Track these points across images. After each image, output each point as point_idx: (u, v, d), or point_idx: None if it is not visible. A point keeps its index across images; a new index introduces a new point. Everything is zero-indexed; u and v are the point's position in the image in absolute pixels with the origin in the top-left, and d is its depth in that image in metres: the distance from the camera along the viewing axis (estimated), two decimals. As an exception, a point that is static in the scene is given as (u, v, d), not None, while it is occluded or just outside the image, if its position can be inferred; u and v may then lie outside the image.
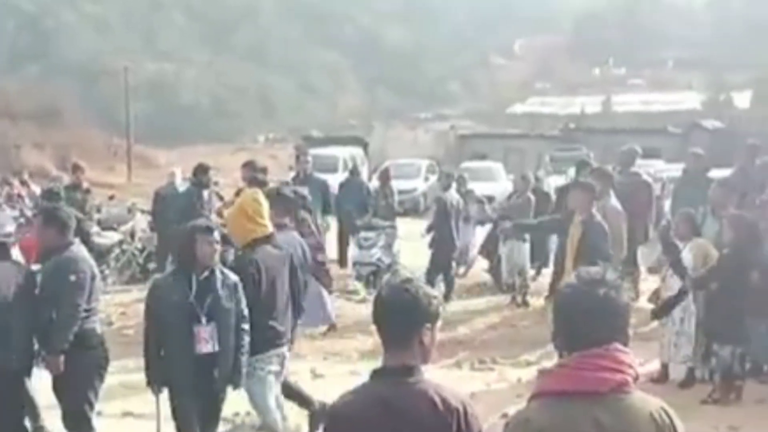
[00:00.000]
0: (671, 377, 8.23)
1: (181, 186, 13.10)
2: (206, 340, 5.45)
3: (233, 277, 5.60)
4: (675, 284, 8.05)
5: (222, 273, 5.57)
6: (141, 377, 5.78)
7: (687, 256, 7.97)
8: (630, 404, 2.58)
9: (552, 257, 11.55)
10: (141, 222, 15.12)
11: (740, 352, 7.64)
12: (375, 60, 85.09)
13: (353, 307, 11.27)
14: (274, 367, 6.06)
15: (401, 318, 2.99)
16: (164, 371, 5.55)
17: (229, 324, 5.52)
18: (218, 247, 5.53)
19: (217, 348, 5.47)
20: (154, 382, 5.60)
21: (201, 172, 11.63)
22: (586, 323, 2.60)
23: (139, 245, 14.35)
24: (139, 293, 12.57)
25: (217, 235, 5.54)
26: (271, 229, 6.08)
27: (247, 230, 5.96)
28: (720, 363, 7.66)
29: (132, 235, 14.72)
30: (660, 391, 7.56)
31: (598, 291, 2.61)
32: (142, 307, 11.80)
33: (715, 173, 12.03)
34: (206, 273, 5.47)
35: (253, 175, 9.61)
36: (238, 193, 10.49)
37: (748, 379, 7.88)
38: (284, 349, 6.19)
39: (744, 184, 9.91)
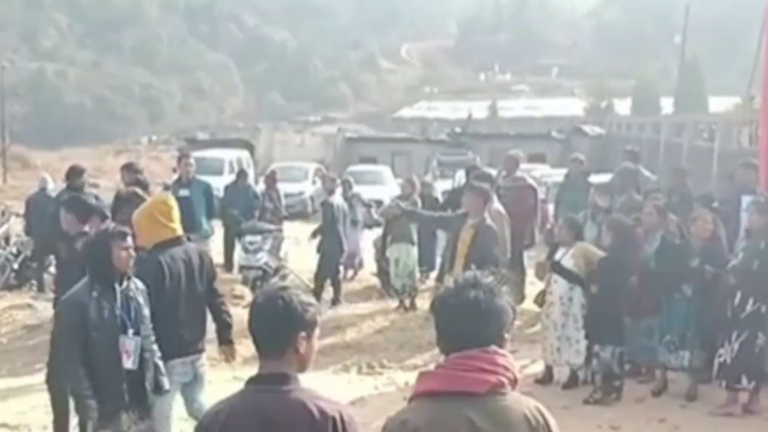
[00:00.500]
0: (555, 379, 8.36)
1: (54, 191, 12.54)
2: (131, 353, 5.12)
3: (141, 284, 5.32)
4: (558, 288, 8.20)
5: (133, 280, 5.28)
6: (14, 385, 5.43)
7: (569, 260, 8.11)
8: (505, 405, 2.62)
9: (440, 261, 11.61)
10: (15, 226, 14.49)
11: (620, 353, 7.82)
12: (262, 62, 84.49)
13: (239, 312, 11.04)
14: (178, 377, 5.78)
15: (274, 326, 2.95)
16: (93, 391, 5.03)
17: (150, 333, 5.25)
18: (132, 252, 5.24)
19: (142, 359, 5.17)
20: (89, 405, 5.02)
21: (75, 175, 11.14)
22: (460, 325, 2.66)
23: (14, 250, 13.73)
24: (13, 299, 12.04)
25: (130, 240, 5.26)
26: (180, 233, 5.80)
27: (153, 232, 5.66)
28: (601, 364, 7.82)
29: (6, 239, 14.11)
30: (544, 392, 7.68)
31: (470, 294, 2.68)
32: (16, 314, 11.31)
33: (595, 178, 12.34)
34: (126, 281, 5.21)
35: (136, 177, 9.35)
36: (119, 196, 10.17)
37: (628, 379, 8.07)
38: (192, 358, 5.81)
39: (623, 189, 10.17)
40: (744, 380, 7.29)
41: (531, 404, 2.70)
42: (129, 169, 9.88)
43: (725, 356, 7.36)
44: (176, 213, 5.77)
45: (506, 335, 2.73)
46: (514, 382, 2.66)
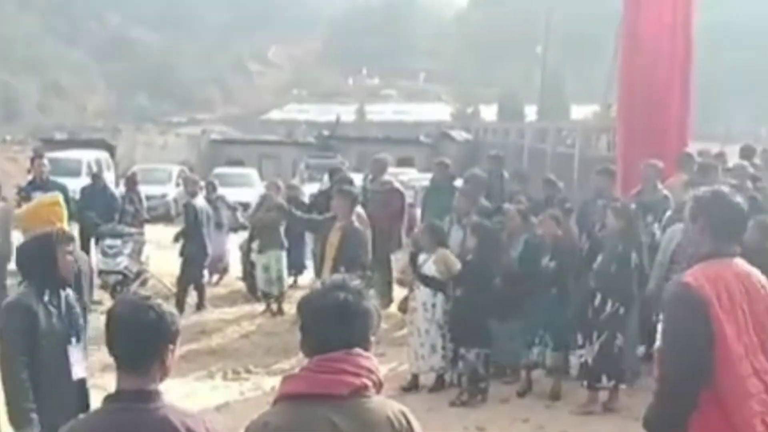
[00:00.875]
0: (422, 383, 8.36)
1: None
2: (80, 363, 4.75)
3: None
4: (421, 294, 8.20)
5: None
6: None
7: (431, 266, 8.13)
8: (368, 408, 2.60)
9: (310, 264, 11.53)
10: None
11: (485, 355, 7.90)
12: (126, 61, 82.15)
13: (97, 317, 10.62)
14: None
15: (142, 339, 2.74)
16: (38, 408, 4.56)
17: (86, 341, 4.96)
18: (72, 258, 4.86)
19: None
20: (31, 420, 4.53)
21: None
22: (325, 327, 2.63)
23: None
24: None
25: (73, 244, 4.88)
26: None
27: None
28: (466, 366, 7.88)
29: None
30: (410, 395, 7.67)
31: (339, 296, 2.65)
32: None
33: (461, 183, 12.46)
34: (67, 288, 4.80)
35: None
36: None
37: (493, 380, 8.16)
38: None
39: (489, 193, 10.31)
40: (604, 379, 7.48)
41: (395, 407, 2.68)
42: None
43: (586, 356, 7.54)
44: (64, 213, 5.53)
45: (372, 338, 2.71)
46: (378, 385, 2.64)
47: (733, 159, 11.64)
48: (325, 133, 38.37)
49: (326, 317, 2.64)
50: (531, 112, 48.72)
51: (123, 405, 2.72)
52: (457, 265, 8.03)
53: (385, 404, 2.66)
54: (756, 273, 3.65)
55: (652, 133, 10.28)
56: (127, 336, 2.75)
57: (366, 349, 2.66)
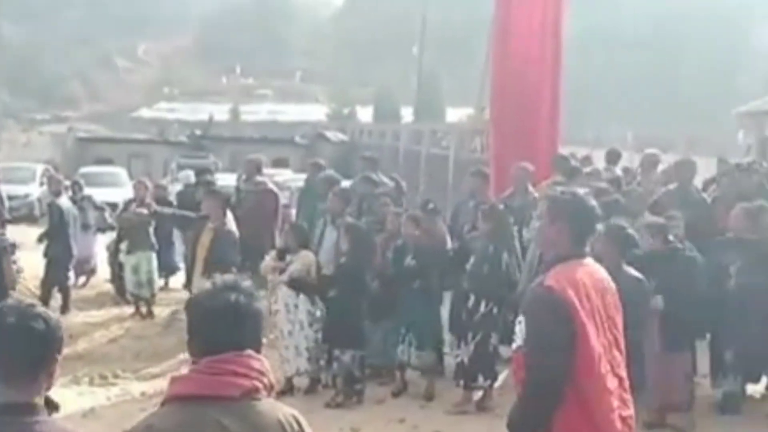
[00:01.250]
0: (297, 386, 8.28)
1: None
2: None
3: None
4: (283, 295, 8.11)
5: None
6: None
7: (296, 266, 8.05)
8: (259, 411, 2.55)
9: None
10: None
11: (360, 357, 7.88)
12: (-15, 55, 78.51)
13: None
14: None
15: (33, 349, 2.51)
16: None
17: None
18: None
19: None
20: None
21: None
22: (216, 328, 2.58)
23: None
24: None
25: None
26: None
27: None
28: (341, 368, 7.84)
29: None
30: (285, 398, 7.56)
31: (230, 296, 2.60)
32: None
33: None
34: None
35: None
36: None
37: (369, 381, 8.15)
38: None
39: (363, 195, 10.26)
40: (480, 379, 7.57)
41: (286, 411, 2.65)
42: None
43: (462, 356, 7.62)
44: None
45: (263, 340, 2.70)
46: (269, 387, 2.60)
47: (601, 163, 12.06)
48: (198, 132, 37.69)
49: (217, 318, 2.58)
50: (407, 114, 49.16)
51: (8, 419, 2.49)
52: (317, 265, 8.02)
53: (276, 407, 2.63)
54: (602, 270, 3.79)
55: (524, 136, 10.48)
56: (14, 346, 2.51)
57: (257, 350, 2.62)
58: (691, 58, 60.53)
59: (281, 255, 8.32)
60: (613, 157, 12.08)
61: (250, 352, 2.59)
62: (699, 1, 62.67)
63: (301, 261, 8.04)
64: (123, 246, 11.57)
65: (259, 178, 11.28)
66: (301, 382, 8.29)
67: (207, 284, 2.70)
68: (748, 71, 54.12)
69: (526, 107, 10.57)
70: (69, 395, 7.98)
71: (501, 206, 8.27)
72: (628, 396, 3.67)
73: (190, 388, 2.55)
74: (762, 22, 55.99)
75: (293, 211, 12.69)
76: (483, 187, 9.33)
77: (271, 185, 11.63)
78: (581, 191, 3.98)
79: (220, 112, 57.54)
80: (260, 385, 2.57)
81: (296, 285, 8.03)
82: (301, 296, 8.06)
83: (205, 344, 2.59)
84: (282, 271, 8.07)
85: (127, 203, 12.06)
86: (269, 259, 8.52)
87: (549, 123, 10.71)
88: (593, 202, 3.84)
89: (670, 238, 7.31)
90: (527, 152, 10.03)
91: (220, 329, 2.57)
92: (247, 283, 2.68)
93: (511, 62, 10.76)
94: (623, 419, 3.60)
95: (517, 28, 10.75)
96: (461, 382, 7.68)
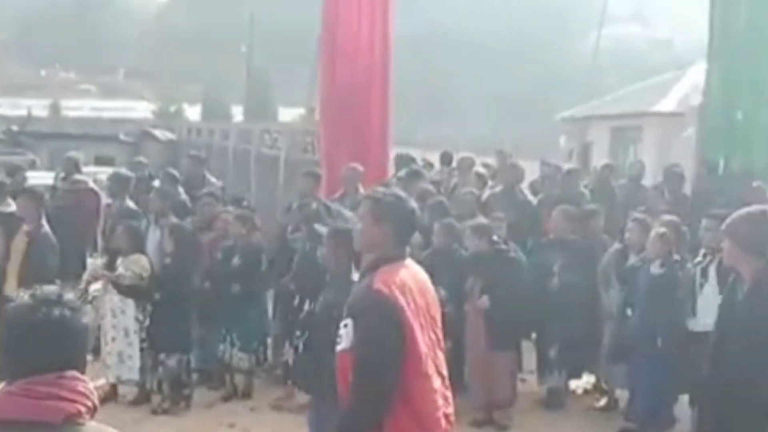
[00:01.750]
0: (122, 393, 7.99)
1: None
2: None
3: None
4: (109, 299, 7.83)
5: None
6: None
7: (128, 273, 7.74)
8: None
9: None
10: None
11: (187, 360, 7.70)
12: None
13: None
14: None
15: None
16: None
17: None
18: None
19: None
20: None
21: None
22: (38, 347, 2.34)
23: None
24: None
25: None
26: None
27: None
28: (167, 372, 7.64)
29: None
30: (113, 407, 7.30)
31: (53, 311, 2.36)
32: None
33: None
34: None
35: None
36: None
37: (198, 386, 7.98)
38: None
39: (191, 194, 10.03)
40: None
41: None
42: None
43: (286, 357, 7.60)
44: None
45: (88, 357, 2.49)
46: (93, 410, 2.39)
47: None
48: (14, 128, 35.78)
49: (38, 336, 2.34)
50: (238, 113, 48.60)
51: None
52: (147, 267, 7.75)
53: (101, 430, 2.43)
54: (421, 271, 3.83)
55: (354, 136, 10.55)
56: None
57: (82, 370, 2.41)
58: (524, 63, 62.72)
59: (112, 258, 7.96)
60: (446, 159, 12.38)
61: (74, 373, 2.39)
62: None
63: (135, 265, 7.72)
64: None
65: (78, 177, 10.78)
66: (129, 389, 8.00)
67: (25, 296, 2.44)
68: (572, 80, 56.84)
69: (355, 108, 10.64)
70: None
71: (313, 205, 8.19)
72: (449, 393, 3.72)
73: (7, 412, 2.32)
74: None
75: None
76: (315, 188, 9.28)
77: (91, 184, 11.12)
78: (402, 193, 4.01)
79: (40, 107, 54.90)
80: (84, 409, 2.38)
81: (128, 292, 7.72)
82: (130, 302, 7.76)
83: (22, 365, 2.36)
84: (112, 279, 7.70)
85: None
86: (97, 264, 8.16)
87: (379, 124, 10.82)
88: (414, 204, 3.87)
89: (495, 238, 7.53)
90: (358, 153, 10.10)
91: (42, 348, 2.35)
92: (70, 295, 2.45)
93: (341, 64, 10.80)
94: (446, 416, 3.65)
95: (346, 30, 10.79)
96: (289, 382, 7.63)
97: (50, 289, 2.46)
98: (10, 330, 2.40)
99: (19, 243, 7.31)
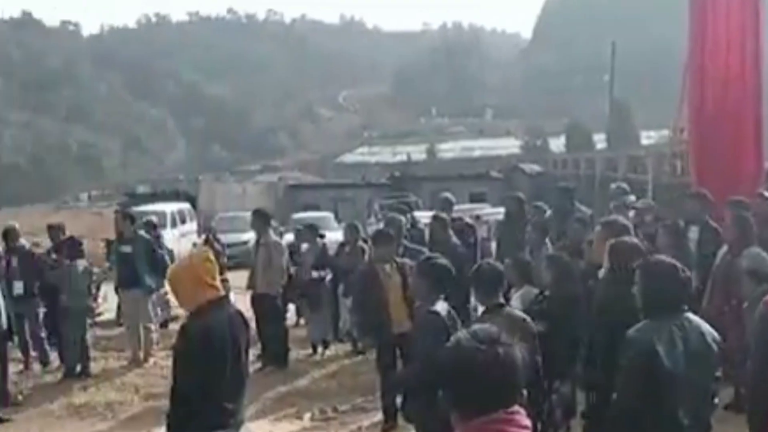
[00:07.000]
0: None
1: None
2: None
3: None
4: None
5: None
6: None
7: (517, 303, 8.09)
8: None
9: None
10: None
11: None
12: (201, 115, 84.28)
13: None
14: None
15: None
16: None
17: None
18: None
19: None
20: None
21: (13, 237, 10.70)
22: (494, 386, 2.36)
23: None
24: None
25: None
26: (223, 292, 4.95)
27: (198, 293, 4.78)
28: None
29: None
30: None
31: (498, 350, 2.37)
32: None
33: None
34: None
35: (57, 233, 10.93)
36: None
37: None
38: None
39: (560, 225, 10.29)
40: None
41: None
42: (53, 228, 11.52)
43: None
44: (216, 270, 5.04)
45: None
46: None
47: None
48: (397, 173, 38.63)
49: (489, 375, 2.35)
50: (600, 141, 48.32)
51: None
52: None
53: None
54: None
55: (727, 155, 10.15)
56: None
57: (521, 404, 2.42)
58: None
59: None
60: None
61: (517, 407, 2.40)
62: None
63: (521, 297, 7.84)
64: (340, 289, 11.84)
65: (456, 215, 11.58)
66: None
67: (465, 335, 2.45)
68: None
69: (728, 125, 10.21)
70: (294, 429, 8.50)
71: None
72: None
73: None
74: None
75: (493, 245, 12.90)
76: (700, 209, 8.86)
77: (469, 220, 11.87)
78: None
79: (417, 152, 58.69)
80: None
81: None
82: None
83: (479, 403, 2.37)
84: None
85: (340, 246, 12.33)
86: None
87: (754, 141, 10.31)
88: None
89: None
90: (731, 173, 9.73)
91: (497, 387, 2.37)
92: (503, 333, 2.43)
93: (710, 78, 10.44)
94: None
95: (714, 54, 10.40)
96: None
97: (491, 328, 2.47)
98: (463, 369, 2.39)
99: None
